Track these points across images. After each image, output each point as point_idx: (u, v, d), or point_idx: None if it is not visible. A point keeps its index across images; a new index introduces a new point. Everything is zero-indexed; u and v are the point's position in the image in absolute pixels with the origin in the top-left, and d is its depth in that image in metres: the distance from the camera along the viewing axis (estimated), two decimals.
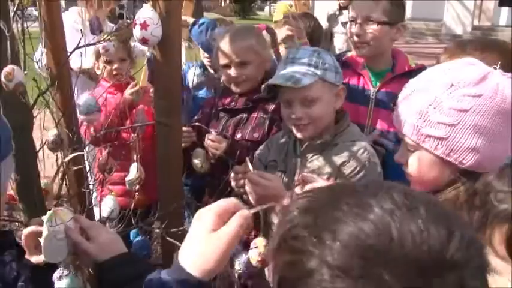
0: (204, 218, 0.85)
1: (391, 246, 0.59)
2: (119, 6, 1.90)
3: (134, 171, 1.98)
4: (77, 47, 1.66)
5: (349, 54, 2.34)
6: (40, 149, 1.75)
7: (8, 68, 1.49)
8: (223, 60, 2.22)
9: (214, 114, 2.35)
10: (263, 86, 1.82)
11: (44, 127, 1.85)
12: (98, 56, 2.66)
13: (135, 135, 1.99)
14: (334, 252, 0.61)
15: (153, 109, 1.82)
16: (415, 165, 1.29)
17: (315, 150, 1.77)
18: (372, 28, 2.17)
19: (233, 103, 2.26)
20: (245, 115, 2.23)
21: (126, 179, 2.00)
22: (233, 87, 2.23)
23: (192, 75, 2.76)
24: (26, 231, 1.20)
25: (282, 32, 2.86)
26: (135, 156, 1.98)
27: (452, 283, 0.59)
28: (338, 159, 1.72)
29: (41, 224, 1.23)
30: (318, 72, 1.70)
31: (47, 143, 1.73)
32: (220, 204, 0.87)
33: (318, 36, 2.96)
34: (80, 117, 1.65)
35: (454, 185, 1.21)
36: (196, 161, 2.17)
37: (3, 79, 1.51)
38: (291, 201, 0.77)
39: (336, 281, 0.60)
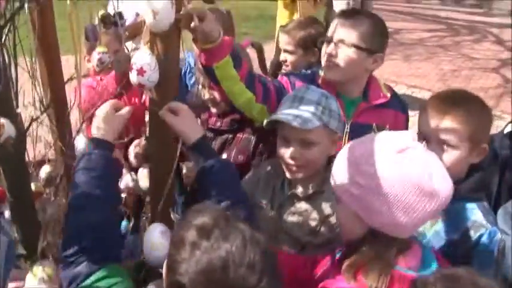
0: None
1: (223, 275, 1.01)
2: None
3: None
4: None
5: (321, 73, 2.15)
6: (32, 164, 1.83)
7: None
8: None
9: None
10: (265, 120, 1.81)
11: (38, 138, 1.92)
12: (90, 50, 2.58)
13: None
14: (193, 268, 1.03)
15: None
16: (338, 215, 1.49)
17: (300, 200, 1.80)
18: (346, 51, 2.00)
19: (218, 123, 2.26)
20: (230, 135, 2.25)
21: None
22: (211, 107, 2.23)
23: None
24: None
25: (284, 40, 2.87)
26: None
27: None
28: (324, 210, 1.75)
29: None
30: (324, 118, 1.71)
31: (40, 180, 1.79)
32: None
33: (318, 43, 2.90)
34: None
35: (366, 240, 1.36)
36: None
37: None
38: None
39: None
